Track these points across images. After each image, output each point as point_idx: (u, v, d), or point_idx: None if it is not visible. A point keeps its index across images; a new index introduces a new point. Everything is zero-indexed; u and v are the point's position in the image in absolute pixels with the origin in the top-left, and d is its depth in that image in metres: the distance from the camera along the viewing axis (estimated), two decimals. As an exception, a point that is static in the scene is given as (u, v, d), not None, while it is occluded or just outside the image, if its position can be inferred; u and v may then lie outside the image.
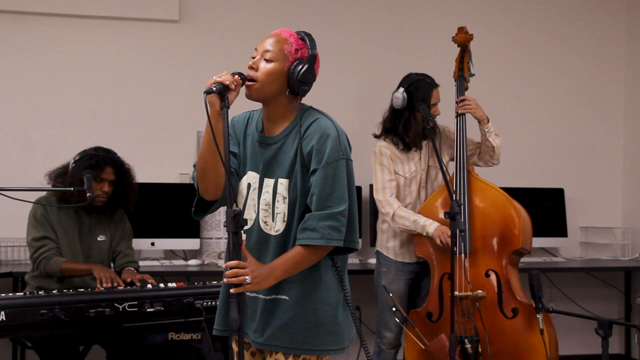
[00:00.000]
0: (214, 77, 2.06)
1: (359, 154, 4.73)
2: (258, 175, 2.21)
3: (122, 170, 3.56)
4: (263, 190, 2.19)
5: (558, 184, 5.07)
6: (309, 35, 2.21)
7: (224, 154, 1.98)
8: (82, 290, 3.12)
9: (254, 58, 2.17)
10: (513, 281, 3.56)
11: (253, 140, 2.24)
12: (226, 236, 4.63)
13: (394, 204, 3.64)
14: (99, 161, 3.45)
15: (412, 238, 3.68)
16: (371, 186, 4.55)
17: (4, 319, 2.77)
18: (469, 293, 3.47)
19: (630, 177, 5.29)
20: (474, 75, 3.89)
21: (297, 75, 2.14)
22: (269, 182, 2.19)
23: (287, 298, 2.16)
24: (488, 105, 3.84)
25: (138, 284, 3.31)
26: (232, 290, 1.93)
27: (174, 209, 4.53)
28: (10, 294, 3.06)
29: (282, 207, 2.16)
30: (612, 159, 5.35)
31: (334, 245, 2.12)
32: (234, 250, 1.94)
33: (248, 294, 2.19)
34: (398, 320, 3.61)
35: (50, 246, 3.45)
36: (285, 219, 2.15)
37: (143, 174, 4.26)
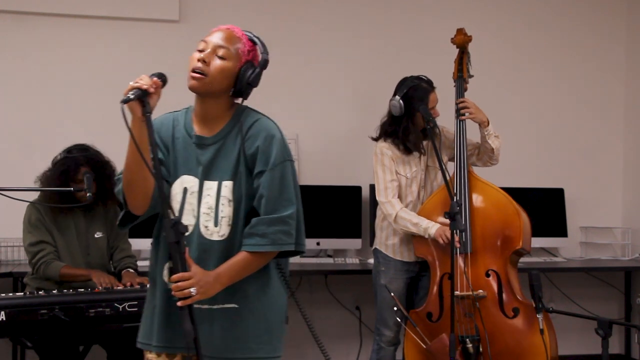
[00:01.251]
0: (130, 83, 1.93)
1: (359, 154, 4.78)
2: (196, 179, 2.10)
3: (97, 166, 3.51)
4: (204, 194, 2.09)
5: (558, 184, 5.07)
6: (260, 39, 2.18)
7: (154, 161, 1.87)
8: (82, 290, 3.12)
9: (201, 51, 2.08)
10: (513, 281, 3.57)
11: (185, 143, 2.14)
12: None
13: (396, 205, 3.64)
14: (71, 165, 3.43)
15: (412, 237, 3.69)
16: (371, 186, 4.56)
17: (4, 319, 2.77)
18: (470, 293, 3.47)
19: (630, 177, 5.29)
20: (472, 76, 3.89)
21: (247, 79, 2.09)
22: (210, 185, 2.10)
23: (237, 306, 2.09)
24: (487, 106, 3.83)
25: (137, 287, 3.32)
26: (179, 304, 1.86)
27: (174, 209, 4.52)
28: (10, 294, 3.06)
29: (227, 210, 2.08)
30: (612, 159, 5.34)
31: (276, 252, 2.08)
32: (178, 261, 1.88)
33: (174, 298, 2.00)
34: (400, 320, 3.61)
35: (48, 250, 3.44)
36: (231, 222, 2.08)
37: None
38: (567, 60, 5.28)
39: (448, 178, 3.30)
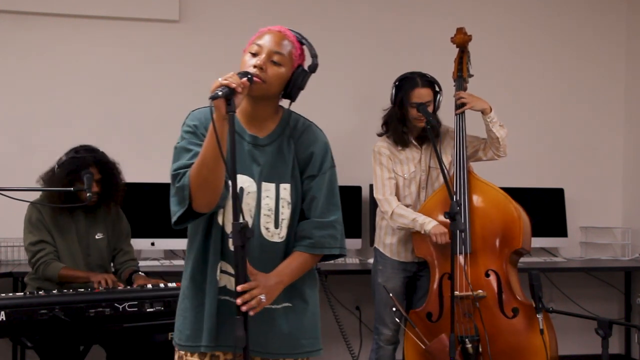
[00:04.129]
0: (219, 80, 1.91)
1: (359, 153, 4.78)
2: (252, 179, 2.10)
3: (106, 167, 3.52)
4: (262, 195, 2.09)
5: (558, 184, 5.07)
6: (307, 41, 2.16)
7: (230, 160, 1.86)
8: (82, 290, 3.12)
9: (254, 54, 2.08)
10: (513, 281, 3.56)
11: (238, 141, 2.08)
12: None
13: (392, 202, 3.64)
14: (80, 165, 3.42)
15: (411, 237, 3.69)
16: (371, 186, 4.55)
17: (4, 319, 2.77)
18: (469, 293, 3.47)
19: (630, 177, 5.29)
20: (472, 75, 3.89)
21: (299, 84, 2.12)
22: (268, 187, 2.10)
23: (291, 305, 2.14)
24: (488, 105, 3.84)
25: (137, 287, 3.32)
26: (245, 309, 1.87)
27: (174, 209, 4.52)
28: (10, 294, 3.06)
29: (286, 213, 2.11)
30: (612, 159, 5.34)
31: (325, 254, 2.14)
32: (240, 264, 1.87)
33: (222, 297, 2.09)
34: (398, 320, 3.61)
35: (48, 250, 3.44)
36: (289, 224, 2.12)
37: (143, 174, 4.27)
38: (567, 60, 5.28)
39: (448, 178, 3.31)
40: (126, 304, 2.99)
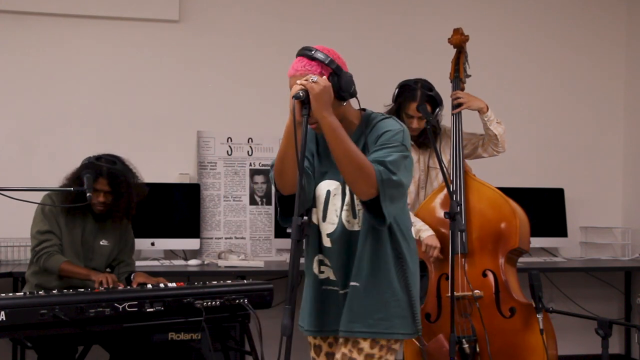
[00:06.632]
0: (303, 82, 2.12)
1: (359, 154, 4.77)
2: (338, 183, 2.31)
3: (116, 182, 3.49)
4: (346, 195, 2.29)
5: (558, 184, 5.07)
6: (315, 51, 2.30)
7: (301, 160, 2.03)
8: (82, 290, 3.12)
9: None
10: (511, 281, 3.56)
11: (324, 147, 2.31)
12: (226, 236, 4.67)
13: None
14: (92, 172, 3.40)
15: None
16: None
17: (4, 319, 2.77)
18: (467, 293, 3.47)
19: (630, 177, 5.29)
20: (470, 76, 3.88)
21: (337, 88, 2.22)
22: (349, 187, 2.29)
23: (358, 284, 2.27)
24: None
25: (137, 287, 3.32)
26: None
27: (174, 209, 4.53)
28: (10, 294, 3.06)
29: (359, 204, 2.27)
30: (612, 159, 5.34)
31: (377, 179, 2.14)
32: (295, 258, 1.96)
33: (325, 287, 2.35)
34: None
35: (53, 242, 3.45)
36: (364, 213, 2.26)
37: (143, 174, 4.25)
38: (567, 60, 5.28)
39: (448, 178, 3.31)
40: (126, 304, 2.98)
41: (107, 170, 3.48)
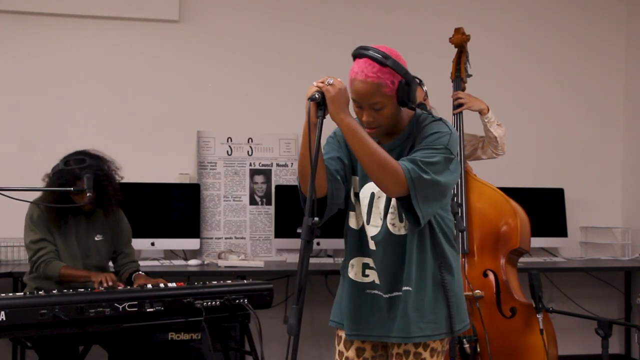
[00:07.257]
0: (319, 84, 2.12)
1: (359, 154, 4.77)
2: None
3: (95, 179, 3.38)
4: (392, 198, 2.25)
5: (558, 184, 5.07)
6: (390, 58, 2.24)
7: (316, 159, 2.03)
8: (82, 290, 3.12)
9: (358, 105, 2.19)
10: (511, 281, 3.56)
11: None
12: (226, 236, 4.67)
13: None
14: (69, 178, 3.36)
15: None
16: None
17: (4, 319, 2.76)
18: (468, 293, 3.47)
19: (630, 177, 5.29)
20: (471, 75, 3.89)
21: (406, 98, 2.19)
22: None
23: (410, 289, 2.25)
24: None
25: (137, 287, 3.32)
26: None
27: (174, 209, 4.53)
28: (10, 294, 3.06)
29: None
30: (612, 159, 5.34)
31: (406, 178, 2.11)
32: (305, 258, 1.96)
33: (369, 291, 2.32)
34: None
35: (49, 249, 3.44)
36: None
37: (143, 174, 4.26)
38: (567, 60, 5.28)
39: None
40: (126, 304, 2.98)
41: (81, 171, 3.38)
